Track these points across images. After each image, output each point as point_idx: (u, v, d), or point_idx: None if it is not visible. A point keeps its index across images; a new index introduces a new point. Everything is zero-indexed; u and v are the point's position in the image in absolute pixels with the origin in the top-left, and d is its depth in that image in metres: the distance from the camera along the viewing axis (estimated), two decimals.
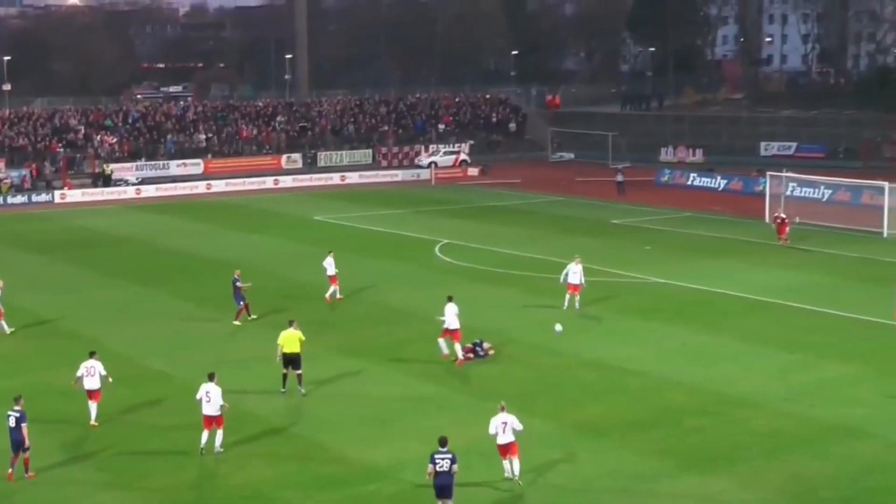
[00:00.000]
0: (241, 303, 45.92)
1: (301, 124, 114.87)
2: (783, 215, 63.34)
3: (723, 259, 58.83)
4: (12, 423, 28.92)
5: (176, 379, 37.88)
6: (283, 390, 36.23)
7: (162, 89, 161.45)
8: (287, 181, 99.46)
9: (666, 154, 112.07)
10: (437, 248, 63.15)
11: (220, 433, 30.78)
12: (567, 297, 46.64)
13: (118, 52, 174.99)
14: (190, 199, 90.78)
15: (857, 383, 36.43)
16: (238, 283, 46.01)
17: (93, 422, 33.10)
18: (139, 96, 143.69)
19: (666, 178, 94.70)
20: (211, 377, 31.08)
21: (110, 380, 34.02)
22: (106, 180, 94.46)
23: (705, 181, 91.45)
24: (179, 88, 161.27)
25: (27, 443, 28.81)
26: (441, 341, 39.52)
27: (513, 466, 28.37)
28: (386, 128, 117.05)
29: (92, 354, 34.19)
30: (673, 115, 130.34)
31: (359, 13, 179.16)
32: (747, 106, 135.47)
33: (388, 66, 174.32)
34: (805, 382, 36.69)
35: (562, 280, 47.12)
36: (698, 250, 61.16)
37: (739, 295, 50.12)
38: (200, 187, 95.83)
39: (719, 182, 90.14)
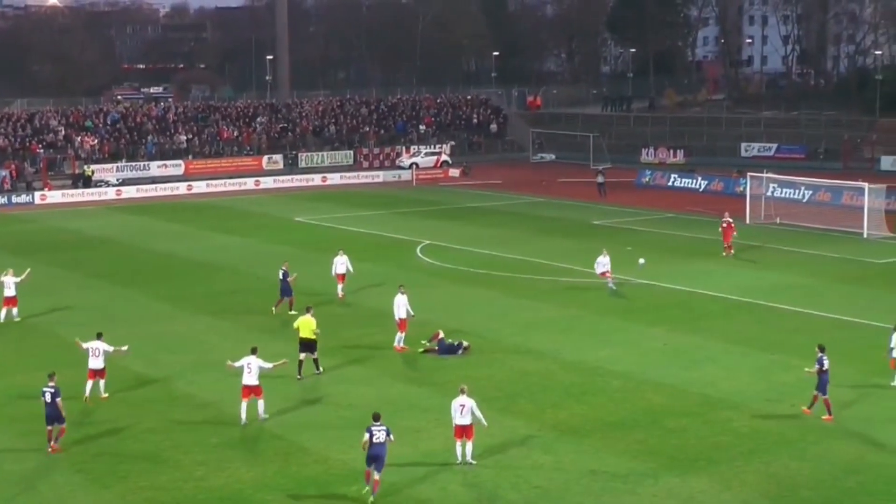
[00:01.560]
0: (289, 295, 46.77)
1: (282, 125, 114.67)
2: (729, 219, 60.60)
3: (704, 260, 58.90)
4: (47, 398, 30.93)
5: (155, 381, 37.72)
6: (299, 377, 37.42)
7: (142, 90, 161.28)
8: (268, 182, 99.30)
9: (647, 155, 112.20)
10: (418, 249, 63.07)
11: (261, 402, 33.11)
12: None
13: (98, 52, 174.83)
14: (171, 200, 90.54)
15: (838, 384, 36.45)
16: (287, 275, 46.92)
17: (103, 394, 35.53)
18: (119, 97, 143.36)
19: (647, 179, 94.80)
20: (254, 350, 33.62)
21: (123, 348, 36.67)
22: (87, 181, 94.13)
23: (686, 182, 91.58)
24: (160, 89, 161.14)
25: (64, 414, 30.98)
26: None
27: (465, 449, 29.34)
28: (367, 129, 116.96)
29: (99, 336, 35.90)
30: (653, 116, 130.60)
31: (339, 14, 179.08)
32: (728, 107, 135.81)
33: (368, 67, 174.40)
34: (786, 383, 36.71)
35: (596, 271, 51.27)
36: (679, 251, 61.24)
37: (721, 296, 50.18)
38: (181, 188, 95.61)
39: (700, 183, 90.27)
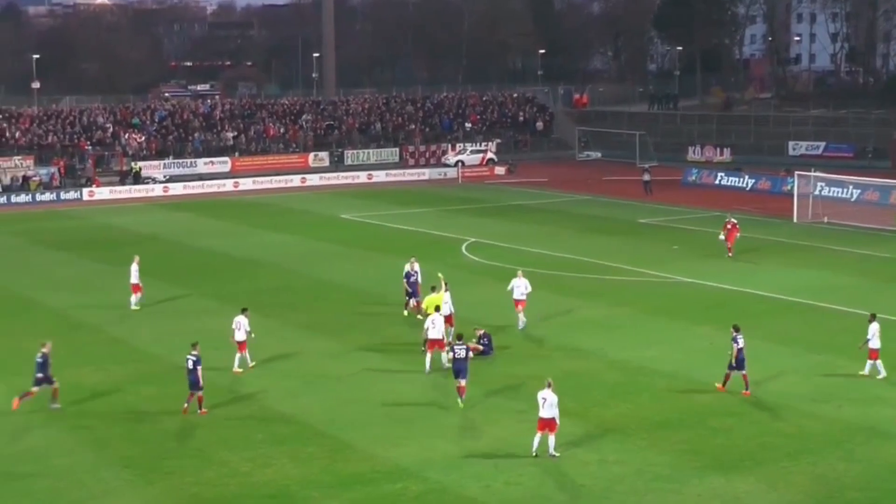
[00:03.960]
0: (416, 297, 45.28)
1: (328, 123, 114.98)
2: (734, 220, 59.95)
3: (751, 259, 58.51)
4: (190, 365, 33.49)
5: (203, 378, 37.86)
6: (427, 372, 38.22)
7: (189, 87, 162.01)
8: (314, 179, 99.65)
9: (693, 153, 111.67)
10: (463, 247, 63.08)
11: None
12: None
13: (145, 50, 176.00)
14: (217, 197, 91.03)
15: (885, 384, 36.20)
16: (411, 275, 45.82)
17: (251, 363, 38.40)
18: (166, 94, 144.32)
19: (693, 178, 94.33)
20: (244, 310, 38.47)
21: (253, 335, 38.69)
22: (136, 177, 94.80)
23: (733, 180, 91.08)
24: (206, 87, 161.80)
25: (202, 383, 33.49)
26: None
27: (547, 442, 29.70)
28: (413, 126, 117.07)
29: (244, 311, 38.80)
30: (700, 114, 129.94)
31: (385, 12, 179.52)
32: (775, 105, 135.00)
33: (414, 64, 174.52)
34: (832, 383, 36.48)
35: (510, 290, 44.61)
36: (726, 250, 60.89)
37: (767, 295, 49.89)
38: (227, 185, 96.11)
39: (747, 181, 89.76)
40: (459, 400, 34.20)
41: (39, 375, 34.01)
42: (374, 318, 46.23)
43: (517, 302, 43.80)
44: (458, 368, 34.46)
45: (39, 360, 34.10)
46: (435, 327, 37.80)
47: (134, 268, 48.52)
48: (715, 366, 38.08)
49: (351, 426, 32.76)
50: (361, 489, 28.02)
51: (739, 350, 35.14)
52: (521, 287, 43.76)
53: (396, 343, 42.16)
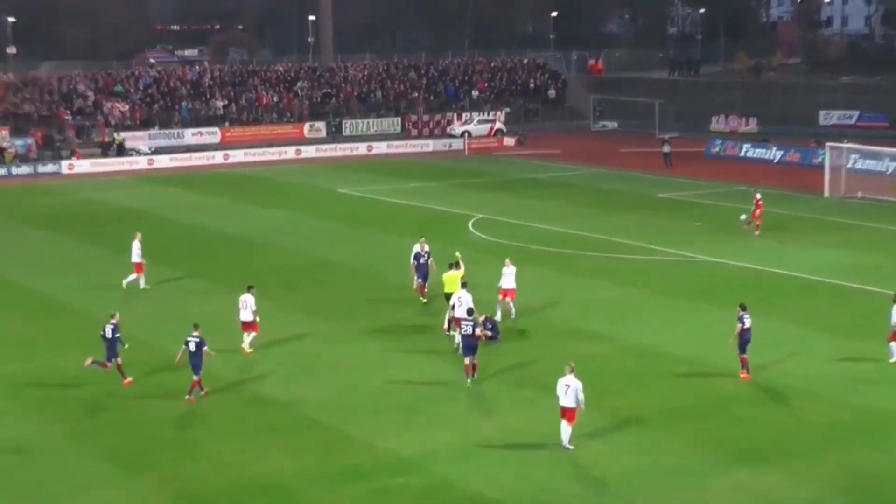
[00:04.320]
0: (425, 280, 45.16)
1: (325, 91, 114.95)
2: (758, 195, 59.90)
3: (778, 236, 58.46)
4: (192, 347, 33.90)
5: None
6: (448, 332, 39.84)
7: (176, 53, 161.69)
8: (310, 151, 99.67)
9: (717, 123, 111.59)
10: (470, 224, 63.15)
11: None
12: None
13: (130, 13, 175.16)
14: (206, 170, 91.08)
15: None
16: (420, 256, 45.40)
17: (248, 349, 38.83)
18: (152, 60, 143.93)
19: (717, 149, 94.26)
20: (249, 288, 38.90)
21: (258, 319, 38.91)
22: (119, 149, 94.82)
23: (760, 152, 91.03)
24: (195, 52, 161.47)
25: (201, 367, 33.91)
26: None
27: (562, 433, 29.57)
28: (416, 95, 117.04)
29: (250, 289, 39.09)
30: (724, 81, 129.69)
31: None
32: (805, 72, 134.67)
33: (417, 29, 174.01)
34: (864, 369, 36.48)
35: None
36: (754, 228, 60.74)
37: (795, 275, 49.89)
38: (217, 158, 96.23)
39: (775, 153, 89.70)
40: (468, 379, 34.99)
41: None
42: (375, 300, 46.30)
43: (506, 292, 42.63)
44: (467, 345, 35.24)
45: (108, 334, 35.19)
46: (462, 305, 37.76)
47: (136, 245, 48.80)
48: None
49: (350, 415, 32.82)
50: (360, 484, 28.04)
51: (746, 330, 35.36)
52: (510, 276, 42.64)
53: (399, 327, 42.28)
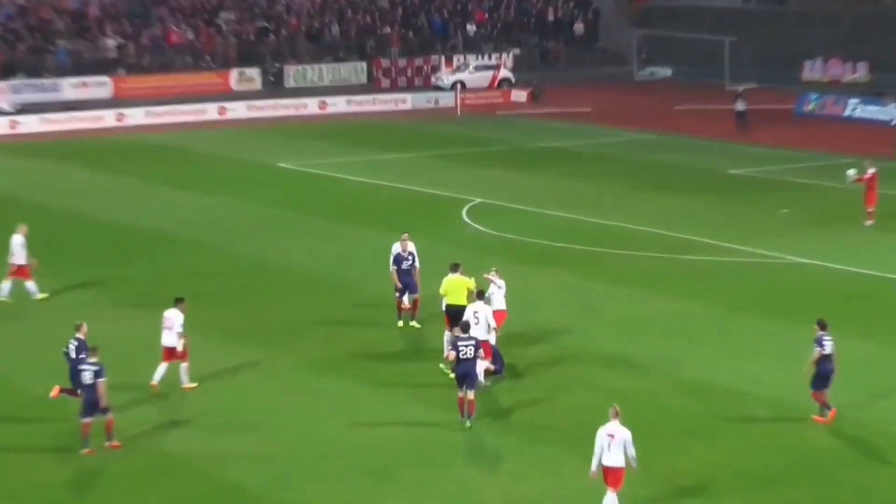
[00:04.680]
0: (414, 292, 44.76)
1: (260, 25, 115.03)
2: (871, 170, 59.91)
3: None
4: (88, 378, 33.98)
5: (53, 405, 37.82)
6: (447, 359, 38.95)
7: None
8: (238, 109, 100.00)
9: (812, 70, 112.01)
10: (464, 212, 63.34)
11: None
12: None
13: None
14: (92, 135, 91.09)
15: None
16: (402, 259, 44.87)
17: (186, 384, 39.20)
18: None
19: (811, 107, 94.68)
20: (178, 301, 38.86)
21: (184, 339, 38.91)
22: None
23: (871, 111, 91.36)
24: None
25: (105, 402, 34.05)
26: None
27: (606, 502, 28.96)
28: (388, 30, 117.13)
29: (177, 303, 39.29)
30: (823, 12, 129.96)
31: None
32: None
33: None
34: None
35: None
36: (858, 217, 60.99)
37: None
38: (108, 119, 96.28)
39: (892, 112, 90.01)
40: (467, 420, 35.50)
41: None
42: (334, 321, 46.25)
43: (496, 313, 40.72)
44: (465, 373, 35.47)
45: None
46: (479, 323, 37.68)
47: (17, 241, 48.84)
48: (843, 389, 38.27)
49: (294, 481, 32.65)
50: None
51: (825, 357, 35.38)
52: (500, 293, 41.48)
53: (368, 355, 42.25)
